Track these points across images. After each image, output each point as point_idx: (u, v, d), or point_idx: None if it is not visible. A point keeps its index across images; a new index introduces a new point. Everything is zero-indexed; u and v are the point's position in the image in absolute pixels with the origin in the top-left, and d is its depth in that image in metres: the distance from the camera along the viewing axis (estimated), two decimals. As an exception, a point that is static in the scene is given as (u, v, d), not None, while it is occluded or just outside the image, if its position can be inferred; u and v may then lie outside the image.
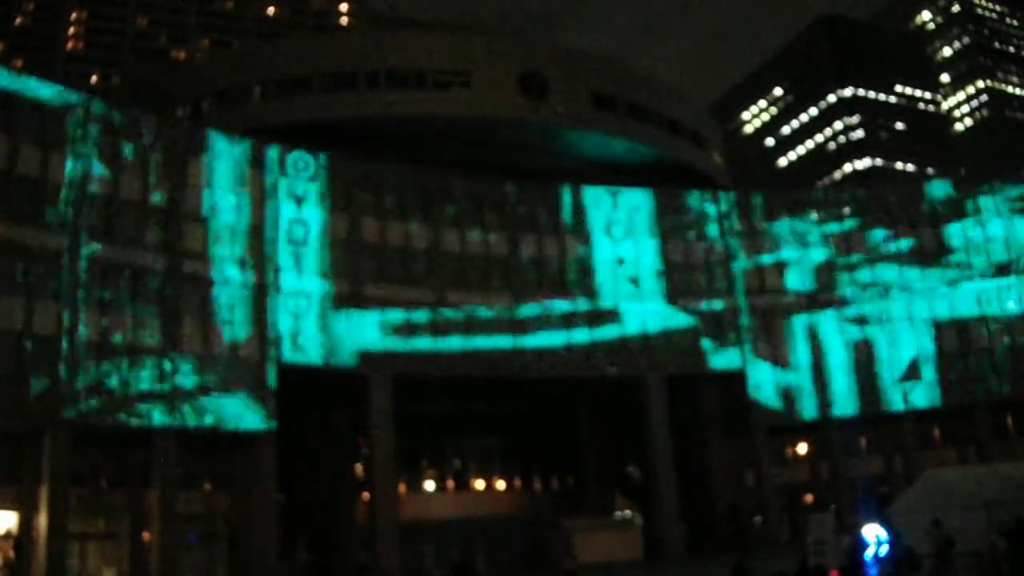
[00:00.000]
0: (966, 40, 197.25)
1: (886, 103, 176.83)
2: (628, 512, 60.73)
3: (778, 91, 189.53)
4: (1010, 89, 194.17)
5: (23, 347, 37.59)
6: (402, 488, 56.04)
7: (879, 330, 58.69)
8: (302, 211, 48.11)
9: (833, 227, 60.40)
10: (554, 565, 49.92)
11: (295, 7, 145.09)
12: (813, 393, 57.73)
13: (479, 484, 62.56)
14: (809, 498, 58.99)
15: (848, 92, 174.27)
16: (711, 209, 59.30)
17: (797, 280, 59.21)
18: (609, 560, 49.42)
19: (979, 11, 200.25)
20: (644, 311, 56.22)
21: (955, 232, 60.23)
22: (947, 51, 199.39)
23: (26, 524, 37.51)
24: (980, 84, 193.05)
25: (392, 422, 49.22)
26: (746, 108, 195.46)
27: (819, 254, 59.63)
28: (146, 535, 41.63)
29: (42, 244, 38.95)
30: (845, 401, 57.68)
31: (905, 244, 60.16)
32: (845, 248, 59.98)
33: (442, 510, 59.14)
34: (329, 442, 54.53)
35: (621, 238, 56.78)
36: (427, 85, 55.71)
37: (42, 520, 37.03)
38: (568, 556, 46.07)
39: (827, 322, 58.63)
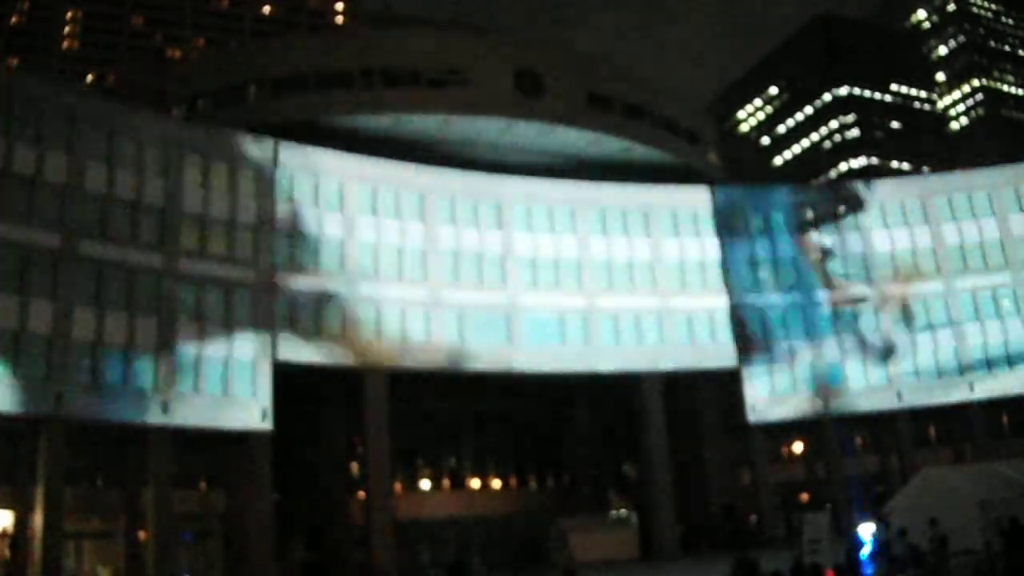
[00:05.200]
0: (961, 39, 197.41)
1: (881, 102, 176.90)
2: (624, 511, 60.75)
3: (774, 90, 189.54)
4: (1005, 88, 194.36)
5: (20, 345, 37.53)
6: (398, 487, 56.06)
7: (874, 328, 58.79)
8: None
9: (828, 223, 60.48)
10: (551, 564, 49.97)
11: (290, 6, 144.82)
12: (809, 392, 57.75)
13: (475, 483, 62.59)
14: (805, 497, 59.07)
15: (843, 91, 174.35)
16: (706, 207, 59.33)
17: (793, 277, 59.27)
18: (605, 559, 49.47)
19: (974, 10, 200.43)
20: (640, 309, 56.25)
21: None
22: (943, 50, 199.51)
23: (22, 523, 37.48)
24: (975, 83, 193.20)
25: (388, 421, 49.22)
26: (742, 107, 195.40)
27: (814, 251, 59.70)
28: (142, 534, 41.65)
29: (36, 242, 38.91)
30: (841, 399, 57.69)
31: (900, 242, 60.28)
32: (840, 245, 60.07)
33: (438, 509, 59.21)
34: (325, 441, 54.52)
35: (617, 236, 56.84)
36: (422, 83, 55.64)
37: (38, 519, 36.98)
38: (566, 555, 46.12)
39: (823, 320, 58.69)
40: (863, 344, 58.57)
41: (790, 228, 60.20)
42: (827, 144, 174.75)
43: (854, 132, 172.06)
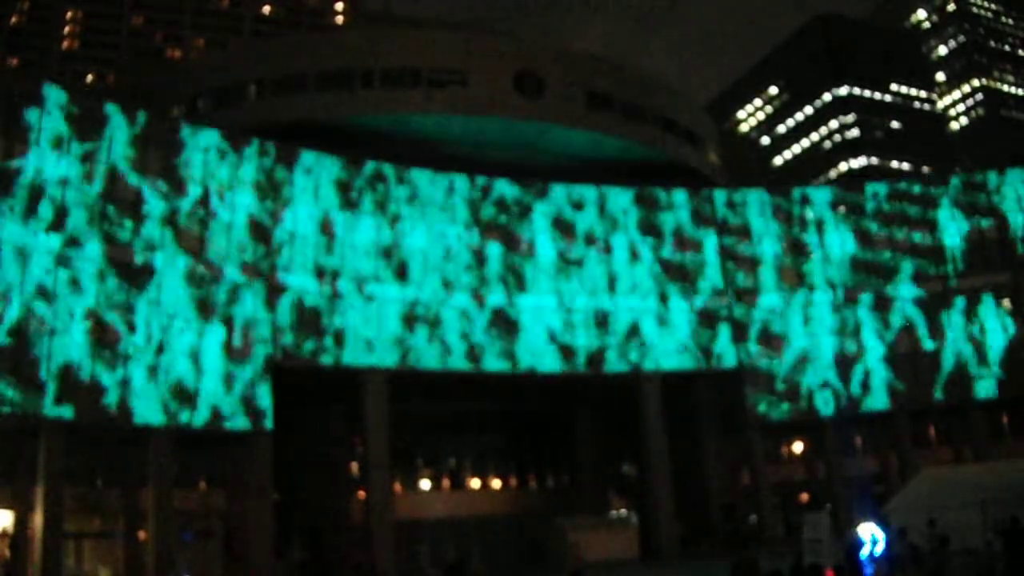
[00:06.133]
0: (961, 39, 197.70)
1: (881, 102, 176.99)
2: (624, 511, 60.77)
3: (773, 89, 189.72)
4: (1005, 88, 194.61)
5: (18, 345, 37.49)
6: (397, 487, 56.09)
7: (875, 328, 58.74)
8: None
9: (827, 223, 60.44)
10: (550, 564, 49.96)
11: (290, 6, 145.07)
12: (809, 391, 57.70)
13: (475, 483, 62.64)
14: (805, 497, 59.03)
15: (843, 91, 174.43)
16: (705, 207, 59.28)
17: (793, 277, 59.21)
18: (605, 559, 49.48)
19: (974, 10, 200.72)
20: (639, 309, 56.21)
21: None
22: (942, 50, 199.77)
23: (22, 523, 37.49)
24: (975, 83, 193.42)
25: (387, 420, 49.20)
26: (742, 107, 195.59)
27: (813, 251, 59.66)
28: (142, 534, 41.63)
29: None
30: (841, 399, 57.63)
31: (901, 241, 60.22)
32: (839, 244, 60.05)
33: (438, 509, 59.24)
34: (325, 441, 54.53)
35: (616, 236, 56.80)
36: (422, 84, 55.66)
37: (38, 519, 36.89)
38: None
39: (824, 319, 58.62)
40: (863, 344, 58.53)
41: (790, 227, 60.13)
42: (827, 144, 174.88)
43: (854, 132, 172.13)
